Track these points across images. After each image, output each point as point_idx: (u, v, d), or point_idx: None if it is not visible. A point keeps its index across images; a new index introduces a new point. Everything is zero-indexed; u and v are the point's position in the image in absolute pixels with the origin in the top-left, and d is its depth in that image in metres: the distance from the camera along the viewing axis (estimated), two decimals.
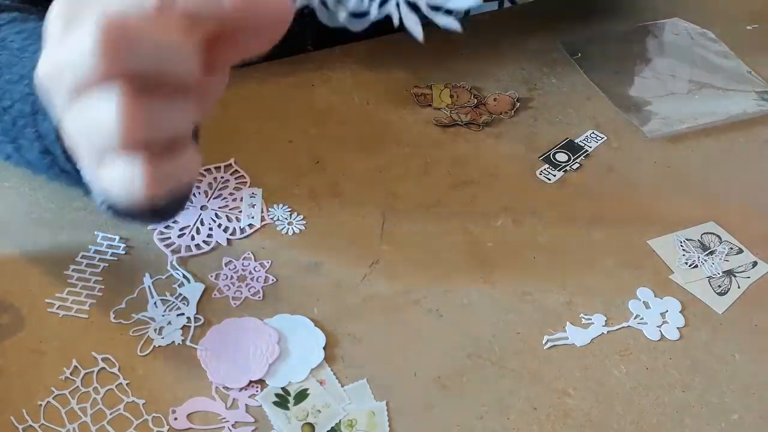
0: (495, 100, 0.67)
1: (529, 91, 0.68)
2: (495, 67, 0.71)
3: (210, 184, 0.59)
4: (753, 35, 0.77)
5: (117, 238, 0.54)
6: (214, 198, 0.58)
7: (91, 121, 0.31)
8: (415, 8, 0.38)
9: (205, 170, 0.60)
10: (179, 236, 0.55)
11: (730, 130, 0.66)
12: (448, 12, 0.45)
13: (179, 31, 0.31)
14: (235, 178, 0.59)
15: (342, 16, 0.34)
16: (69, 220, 0.56)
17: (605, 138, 0.64)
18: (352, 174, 0.60)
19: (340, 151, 0.62)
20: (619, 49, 0.74)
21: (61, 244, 0.54)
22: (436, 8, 0.38)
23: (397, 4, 0.36)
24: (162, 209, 0.38)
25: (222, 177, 0.59)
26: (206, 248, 0.54)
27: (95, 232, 0.55)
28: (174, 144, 0.33)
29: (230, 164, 0.60)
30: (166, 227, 0.55)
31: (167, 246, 0.54)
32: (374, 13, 0.37)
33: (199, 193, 0.58)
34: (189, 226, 0.56)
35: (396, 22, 0.37)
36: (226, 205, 0.57)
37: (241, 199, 0.58)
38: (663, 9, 0.78)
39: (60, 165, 0.45)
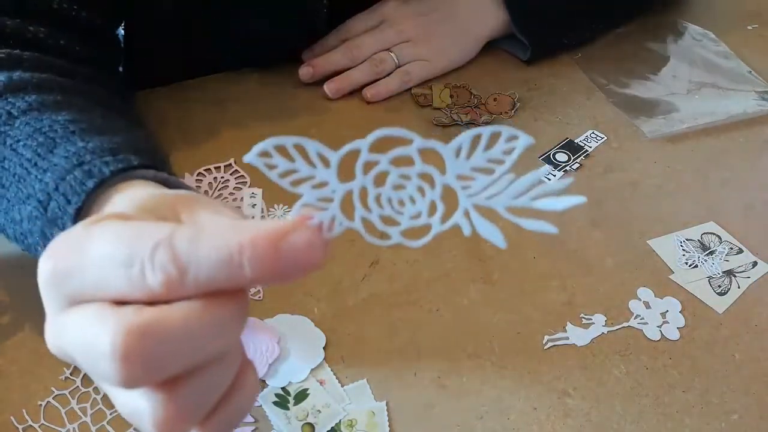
0: (495, 100, 0.67)
1: (529, 91, 0.68)
2: (495, 67, 0.71)
3: (210, 184, 0.59)
4: (753, 35, 0.77)
5: None
6: (214, 198, 0.58)
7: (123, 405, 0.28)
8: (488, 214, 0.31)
9: (205, 170, 0.60)
10: None
11: (730, 130, 0.66)
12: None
13: (200, 308, 0.27)
14: (235, 178, 0.59)
15: (395, 237, 0.29)
16: None
17: (605, 138, 0.64)
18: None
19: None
20: (619, 49, 0.74)
21: None
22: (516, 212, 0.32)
23: (466, 213, 0.30)
24: None
25: (222, 177, 0.59)
26: None
27: None
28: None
29: (230, 164, 0.60)
30: None
31: None
32: (437, 228, 0.32)
33: (199, 192, 0.58)
34: None
35: (467, 232, 0.31)
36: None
37: (242, 199, 0.58)
38: (663, 10, 0.78)
39: None
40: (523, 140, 0.28)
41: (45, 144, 0.42)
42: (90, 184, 0.38)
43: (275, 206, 0.57)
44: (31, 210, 0.40)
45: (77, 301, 0.27)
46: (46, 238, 0.40)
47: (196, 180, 0.59)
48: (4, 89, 0.45)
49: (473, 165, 0.28)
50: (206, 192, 0.58)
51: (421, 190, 0.29)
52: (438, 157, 0.28)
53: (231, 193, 0.58)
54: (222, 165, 0.60)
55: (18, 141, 0.43)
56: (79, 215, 0.38)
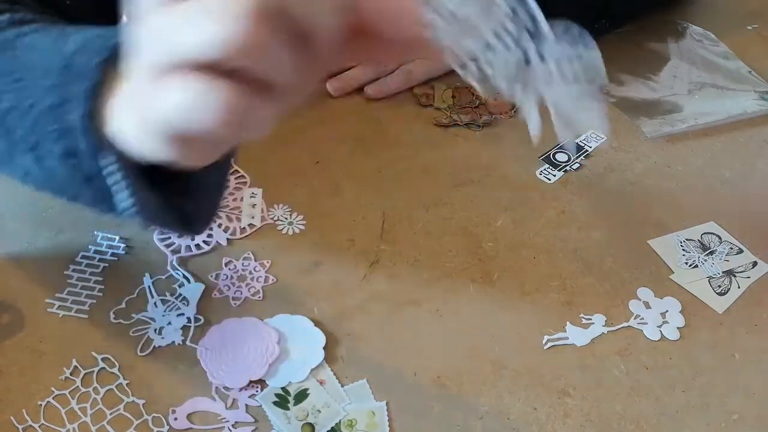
0: (495, 100, 0.67)
1: None
2: None
3: None
4: (753, 35, 0.77)
5: (117, 238, 0.54)
6: None
7: (193, 24, 0.28)
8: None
9: None
10: (179, 236, 0.55)
11: (730, 130, 0.66)
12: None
13: None
14: (235, 178, 0.59)
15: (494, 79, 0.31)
16: (69, 220, 0.56)
17: (605, 138, 0.64)
18: (352, 174, 0.60)
19: (340, 151, 0.62)
20: (619, 49, 0.74)
21: (61, 244, 0.54)
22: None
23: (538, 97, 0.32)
24: (198, 189, 0.35)
25: None
26: (206, 248, 0.54)
27: (95, 232, 0.55)
28: (265, 87, 0.29)
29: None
30: None
31: (167, 246, 0.54)
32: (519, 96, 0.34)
33: None
34: None
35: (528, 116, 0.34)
36: (227, 205, 0.57)
37: (242, 199, 0.58)
38: (663, 10, 0.78)
39: (84, 169, 0.40)
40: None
41: (59, 35, 0.41)
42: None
43: (275, 206, 0.57)
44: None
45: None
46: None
47: None
48: (8, 24, 0.44)
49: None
50: None
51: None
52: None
53: (231, 193, 0.58)
54: None
55: (34, 41, 0.42)
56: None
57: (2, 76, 0.41)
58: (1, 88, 0.41)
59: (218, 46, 0.27)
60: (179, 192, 0.41)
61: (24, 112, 0.41)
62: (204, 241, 0.55)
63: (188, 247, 0.54)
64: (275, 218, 0.56)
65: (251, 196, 0.58)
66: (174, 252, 0.54)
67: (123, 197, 0.38)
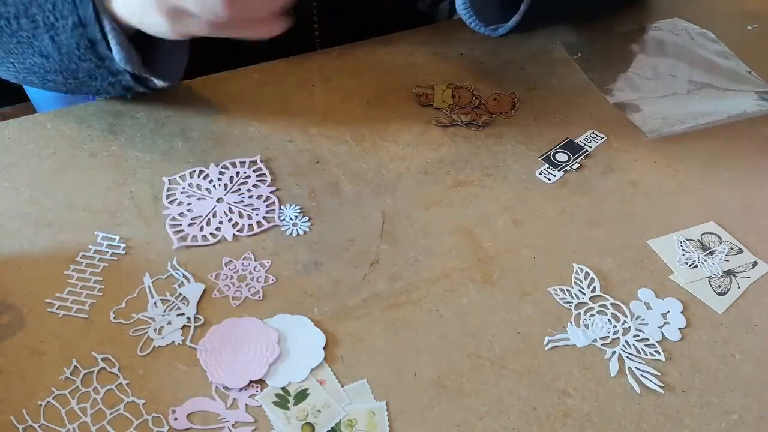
0: (495, 100, 0.67)
1: (529, 91, 0.68)
2: (495, 67, 0.71)
3: (231, 178, 0.59)
4: (753, 35, 0.77)
5: (117, 238, 0.54)
6: (232, 192, 0.58)
7: None
8: None
9: (229, 163, 0.60)
10: (189, 225, 0.55)
11: (730, 130, 0.66)
12: None
13: None
14: (257, 176, 0.59)
15: None
16: (69, 220, 0.56)
17: (605, 138, 0.64)
18: (352, 174, 0.60)
19: (340, 151, 0.62)
20: (619, 49, 0.74)
21: (61, 244, 0.54)
22: None
23: None
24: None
25: (245, 173, 0.59)
26: (212, 240, 0.54)
27: (95, 232, 0.55)
28: None
29: (255, 161, 0.60)
30: (180, 215, 0.56)
31: (176, 233, 0.54)
32: None
33: (220, 185, 0.58)
34: (202, 216, 0.56)
35: None
36: (242, 201, 0.57)
37: (258, 197, 0.58)
38: (663, 9, 0.78)
39: (89, 34, 0.52)
40: None
41: None
42: None
43: (286, 205, 0.57)
44: None
45: None
46: None
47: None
48: None
49: None
50: (225, 186, 0.58)
51: None
52: None
53: (249, 190, 0.58)
54: (247, 161, 0.60)
55: None
56: None
57: None
58: None
59: None
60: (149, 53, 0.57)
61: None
62: (211, 234, 0.55)
63: (194, 237, 0.54)
64: (284, 218, 0.56)
65: (269, 195, 0.58)
66: (181, 240, 0.54)
67: (118, 51, 0.53)
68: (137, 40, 0.55)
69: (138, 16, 0.52)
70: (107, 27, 0.52)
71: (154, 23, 0.52)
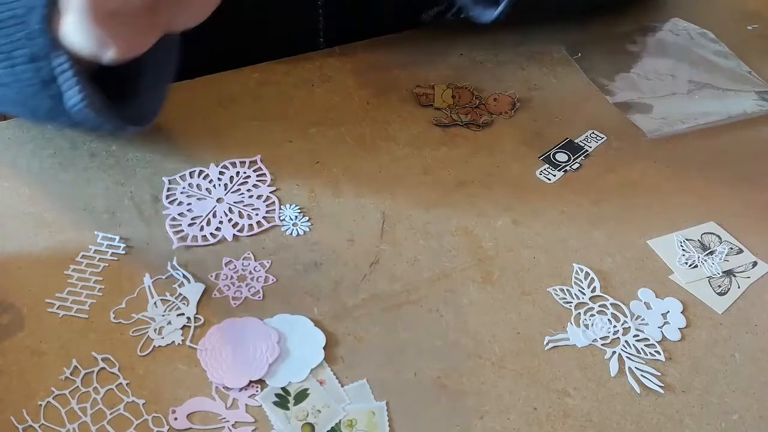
0: (495, 100, 0.67)
1: (529, 91, 0.68)
2: (495, 67, 0.71)
3: (231, 178, 0.59)
4: (753, 35, 0.77)
5: (117, 238, 0.54)
6: (232, 192, 0.58)
7: None
8: None
9: (229, 163, 0.60)
10: (189, 225, 0.55)
11: (730, 130, 0.66)
12: None
13: None
14: (257, 176, 0.59)
15: None
16: (69, 220, 0.56)
17: (605, 138, 0.64)
18: (352, 174, 0.60)
19: (340, 151, 0.62)
20: (619, 49, 0.74)
21: (61, 244, 0.54)
22: None
23: None
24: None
25: (244, 173, 0.59)
26: (212, 240, 0.54)
27: (95, 232, 0.55)
28: None
29: (255, 161, 0.60)
30: (180, 215, 0.56)
31: (176, 233, 0.54)
32: None
33: (220, 185, 0.58)
34: (202, 216, 0.56)
35: None
36: (242, 201, 0.57)
37: (258, 197, 0.58)
38: (663, 9, 0.78)
39: (42, 73, 0.46)
40: None
41: None
42: None
43: (286, 205, 0.57)
44: None
45: None
46: None
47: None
48: None
49: None
50: (225, 186, 0.58)
51: None
52: None
53: (249, 190, 0.58)
54: (247, 161, 0.60)
55: None
56: None
57: None
58: None
59: None
60: (123, 95, 0.53)
61: None
62: (211, 234, 0.55)
63: (194, 237, 0.54)
64: (284, 218, 0.56)
65: (269, 196, 0.58)
66: (181, 240, 0.54)
67: (73, 94, 0.46)
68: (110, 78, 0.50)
69: (78, 41, 0.45)
70: (59, 66, 0.46)
71: (94, 43, 0.45)
